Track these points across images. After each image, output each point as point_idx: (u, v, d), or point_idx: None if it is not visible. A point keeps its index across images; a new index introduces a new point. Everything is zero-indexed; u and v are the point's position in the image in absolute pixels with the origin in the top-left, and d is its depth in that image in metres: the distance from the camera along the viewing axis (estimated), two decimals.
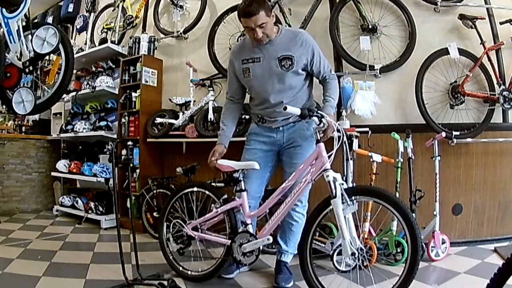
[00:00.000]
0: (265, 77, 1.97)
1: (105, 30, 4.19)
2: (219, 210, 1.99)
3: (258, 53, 1.97)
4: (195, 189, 2.16)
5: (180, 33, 3.58)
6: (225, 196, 2.01)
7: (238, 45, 2.17)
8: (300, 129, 2.05)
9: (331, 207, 1.65)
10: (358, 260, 1.62)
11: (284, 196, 1.85)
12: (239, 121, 2.29)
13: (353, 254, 1.60)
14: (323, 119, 1.73)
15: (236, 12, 3.14)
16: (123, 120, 3.59)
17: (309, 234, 1.76)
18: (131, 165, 3.38)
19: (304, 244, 1.76)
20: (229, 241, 1.92)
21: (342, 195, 1.61)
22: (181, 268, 2.12)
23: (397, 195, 2.40)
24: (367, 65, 2.76)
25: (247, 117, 2.83)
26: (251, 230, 1.90)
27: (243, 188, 1.95)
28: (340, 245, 2.11)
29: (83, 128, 3.89)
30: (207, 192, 2.13)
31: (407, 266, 1.52)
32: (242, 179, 1.95)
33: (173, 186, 3.12)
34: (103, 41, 4.03)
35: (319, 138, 1.75)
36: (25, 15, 1.99)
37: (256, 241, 1.84)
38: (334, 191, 1.62)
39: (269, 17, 1.85)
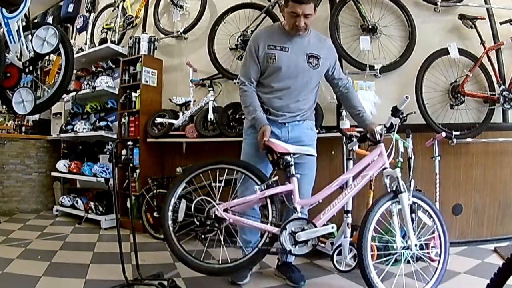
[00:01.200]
0: (290, 68, 1.94)
1: (105, 30, 4.20)
2: (265, 192, 1.80)
3: (287, 43, 1.95)
4: (231, 167, 1.92)
5: (180, 33, 3.58)
6: (275, 178, 1.84)
7: (264, 29, 2.14)
8: (305, 128, 2.06)
9: (391, 202, 1.76)
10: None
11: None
12: (242, 120, 2.22)
13: (416, 245, 1.73)
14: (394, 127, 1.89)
15: (236, 12, 3.21)
16: (123, 120, 3.59)
17: (370, 224, 1.70)
18: (131, 165, 3.38)
19: (365, 235, 1.68)
20: (276, 229, 1.77)
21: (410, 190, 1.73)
22: (200, 262, 1.83)
23: None
24: (367, 65, 2.76)
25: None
26: (306, 217, 1.83)
27: (293, 173, 1.82)
28: (340, 245, 2.14)
29: (83, 128, 3.89)
30: (246, 172, 1.90)
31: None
32: (293, 163, 1.83)
33: None
34: (103, 41, 4.03)
35: (379, 138, 1.87)
36: (25, 15, 1.99)
37: (317, 229, 1.74)
38: (402, 187, 1.74)
39: (315, 11, 1.87)
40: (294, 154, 1.84)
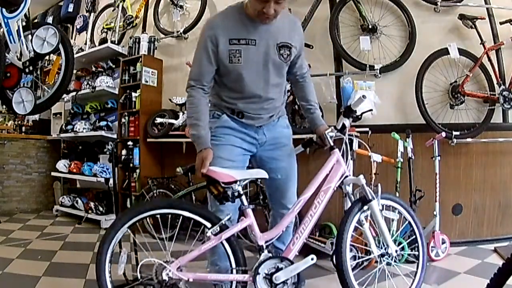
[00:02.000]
0: (260, 65, 1.60)
1: (105, 30, 4.20)
2: (222, 235, 1.43)
3: (252, 33, 1.56)
4: (169, 211, 1.56)
5: (180, 33, 3.58)
6: (228, 217, 1.48)
7: (221, 15, 1.62)
8: (281, 127, 1.78)
9: (361, 212, 1.61)
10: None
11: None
12: None
13: (396, 251, 1.62)
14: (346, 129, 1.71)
15: None
16: (123, 120, 3.59)
17: (345, 242, 1.56)
18: (131, 165, 3.39)
19: (343, 252, 1.53)
20: (246, 276, 1.45)
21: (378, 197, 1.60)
22: None
23: (397, 195, 2.40)
24: (367, 65, 2.77)
25: None
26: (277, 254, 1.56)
27: (246, 204, 1.50)
28: None
29: (83, 128, 3.90)
30: (191, 215, 1.48)
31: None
32: (242, 193, 1.50)
33: (173, 186, 3.12)
34: (103, 41, 4.04)
35: (332, 144, 1.67)
36: (25, 15, 2.00)
37: (295, 266, 1.46)
38: (369, 194, 1.58)
39: None
40: (241, 180, 1.50)
